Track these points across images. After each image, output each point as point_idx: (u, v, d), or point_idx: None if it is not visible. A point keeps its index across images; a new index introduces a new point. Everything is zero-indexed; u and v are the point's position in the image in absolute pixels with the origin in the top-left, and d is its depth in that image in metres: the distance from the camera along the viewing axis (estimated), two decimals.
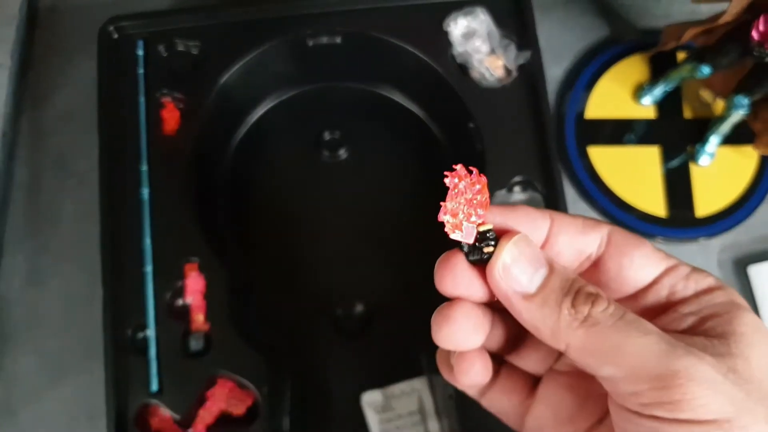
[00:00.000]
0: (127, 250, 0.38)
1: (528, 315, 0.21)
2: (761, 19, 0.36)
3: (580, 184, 0.45)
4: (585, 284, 0.21)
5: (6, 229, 0.45)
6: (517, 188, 0.40)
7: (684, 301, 0.22)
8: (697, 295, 0.22)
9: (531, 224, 0.22)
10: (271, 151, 0.46)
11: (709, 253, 0.44)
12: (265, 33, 0.42)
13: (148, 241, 0.38)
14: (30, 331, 0.43)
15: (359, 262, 0.44)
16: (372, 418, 0.39)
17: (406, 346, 0.40)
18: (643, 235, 0.44)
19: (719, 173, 0.45)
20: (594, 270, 0.23)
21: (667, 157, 0.46)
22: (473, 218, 0.22)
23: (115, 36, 0.42)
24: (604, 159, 0.45)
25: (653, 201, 0.45)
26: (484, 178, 0.22)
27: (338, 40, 0.43)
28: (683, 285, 0.22)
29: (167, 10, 0.47)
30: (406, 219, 0.45)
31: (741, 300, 0.21)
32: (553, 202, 0.39)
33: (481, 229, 0.22)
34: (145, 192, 0.39)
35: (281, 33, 0.42)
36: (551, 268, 0.21)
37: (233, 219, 0.45)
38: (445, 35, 0.42)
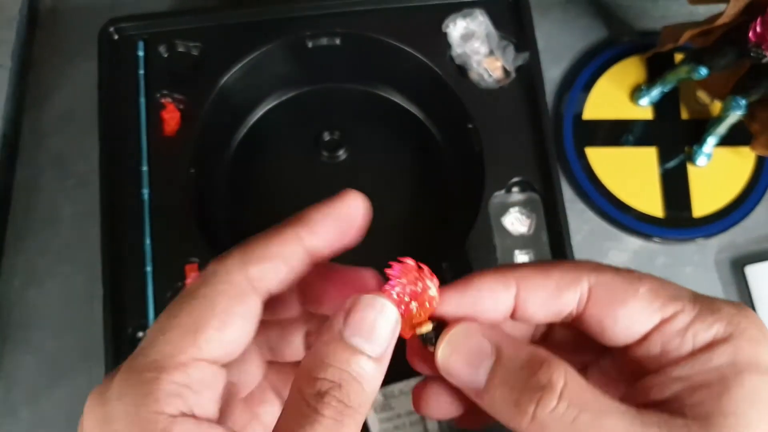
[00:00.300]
0: (127, 251, 0.38)
1: (483, 406, 0.20)
2: (758, 21, 0.36)
3: (578, 185, 0.45)
4: (534, 373, 0.18)
5: (6, 229, 0.45)
6: (515, 189, 0.40)
7: (677, 361, 0.19)
8: (694, 354, 0.19)
9: (491, 299, 0.21)
10: (271, 151, 0.46)
11: (706, 253, 0.44)
12: (265, 34, 0.42)
13: (148, 242, 0.38)
14: (30, 331, 0.43)
15: (358, 262, 0.44)
16: (371, 418, 0.39)
17: (405, 346, 0.40)
18: (641, 236, 0.44)
19: (716, 174, 0.46)
20: (577, 322, 0.21)
21: (664, 157, 0.46)
22: (414, 312, 0.20)
23: (116, 37, 0.43)
24: (602, 160, 0.46)
25: (651, 201, 0.45)
26: (430, 280, 0.21)
27: (338, 41, 0.43)
28: (678, 342, 0.19)
29: (167, 12, 0.47)
30: (405, 219, 0.45)
31: (750, 355, 0.18)
32: (551, 203, 0.39)
33: (419, 331, 0.21)
34: (146, 192, 0.39)
35: (281, 34, 0.42)
36: (498, 356, 0.19)
37: (233, 220, 0.45)
38: (443, 37, 0.42)
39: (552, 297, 0.20)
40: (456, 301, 0.21)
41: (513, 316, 0.21)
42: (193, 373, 0.18)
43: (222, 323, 0.19)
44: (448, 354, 0.20)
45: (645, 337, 0.20)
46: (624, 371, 0.21)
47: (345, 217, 0.21)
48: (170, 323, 0.19)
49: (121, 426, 0.17)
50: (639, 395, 0.20)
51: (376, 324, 0.19)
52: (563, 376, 0.18)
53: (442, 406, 0.22)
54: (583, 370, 0.24)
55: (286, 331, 0.24)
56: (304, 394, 0.18)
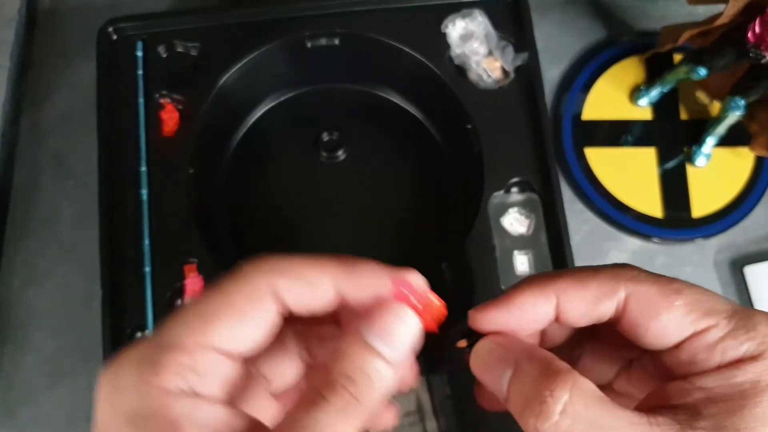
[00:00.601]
0: (126, 251, 0.38)
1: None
2: (757, 21, 0.36)
3: (577, 185, 0.45)
4: (541, 386, 0.19)
5: (5, 229, 0.45)
6: (514, 189, 0.40)
7: (703, 372, 0.20)
8: (720, 368, 0.20)
9: (533, 313, 0.22)
10: (270, 152, 0.46)
11: (705, 253, 0.44)
12: (265, 34, 0.42)
13: (147, 242, 0.38)
14: (29, 332, 0.43)
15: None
16: None
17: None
18: (640, 236, 0.44)
19: (715, 174, 0.46)
20: (616, 325, 0.22)
21: (663, 158, 0.46)
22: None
23: (115, 37, 0.43)
24: (601, 160, 0.46)
25: (650, 202, 0.45)
26: (432, 295, 0.22)
27: (337, 41, 0.43)
28: (707, 355, 0.20)
29: (166, 12, 0.47)
30: (404, 219, 0.45)
31: None
32: (551, 203, 0.39)
33: (458, 345, 0.23)
34: (144, 193, 0.39)
35: (280, 34, 0.42)
36: (516, 368, 0.21)
37: (232, 220, 0.45)
38: (443, 37, 0.42)
39: (590, 307, 0.21)
40: (500, 318, 0.22)
41: (555, 320, 0.23)
42: (198, 357, 0.19)
43: (231, 318, 0.20)
44: (476, 366, 0.22)
45: (676, 346, 0.21)
46: (659, 370, 0.23)
47: (385, 286, 0.22)
48: (189, 310, 0.20)
49: (128, 394, 0.19)
50: (662, 397, 0.21)
51: (398, 331, 0.21)
52: (568, 390, 0.19)
53: (495, 400, 0.24)
54: (628, 365, 0.25)
55: (324, 340, 0.25)
56: (317, 383, 0.19)
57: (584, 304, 0.21)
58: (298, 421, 0.18)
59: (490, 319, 0.22)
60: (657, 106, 0.47)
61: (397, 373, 0.20)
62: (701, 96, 0.47)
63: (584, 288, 0.21)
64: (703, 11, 0.45)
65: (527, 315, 0.22)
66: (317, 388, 0.19)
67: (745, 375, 0.19)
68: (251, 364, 0.22)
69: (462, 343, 0.23)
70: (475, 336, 0.23)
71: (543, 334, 0.25)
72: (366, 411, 0.19)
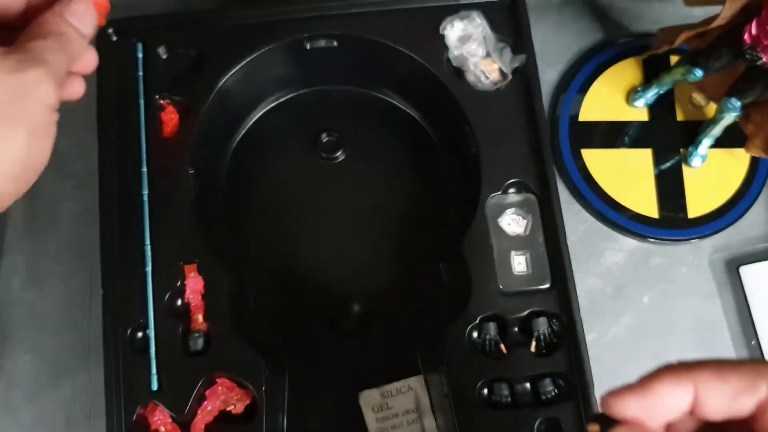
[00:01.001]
0: (126, 251, 0.39)
1: None
2: (753, 23, 0.36)
3: (573, 186, 0.45)
4: None
5: (5, 230, 0.45)
6: (511, 190, 0.41)
7: None
8: None
9: (670, 402, 0.21)
10: (269, 153, 0.46)
11: (701, 254, 0.45)
12: (264, 36, 0.42)
13: (147, 242, 0.39)
14: (29, 332, 0.43)
15: (356, 262, 0.44)
16: (369, 417, 0.39)
17: (403, 345, 0.40)
18: (636, 236, 0.45)
19: (711, 175, 0.46)
20: (752, 423, 0.21)
21: (659, 159, 0.46)
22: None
23: (115, 38, 0.43)
24: (598, 161, 0.46)
25: (646, 202, 0.45)
26: None
27: (335, 43, 0.43)
28: None
29: (167, 14, 0.47)
30: (402, 220, 0.45)
31: None
32: (547, 204, 0.39)
33: (591, 429, 0.23)
34: (145, 193, 0.40)
35: (280, 36, 0.42)
36: None
37: (232, 220, 0.45)
38: (441, 39, 0.42)
39: (729, 401, 0.21)
40: (635, 405, 0.22)
41: (689, 412, 0.22)
42: None
43: None
44: None
45: None
46: None
47: None
48: None
49: None
50: None
51: (87, 15, 0.29)
52: None
53: None
54: None
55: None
56: (34, 31, 0.27)
57: (723, 398, 0.21)
58: (31, 42, 0.26)
59: (625, 405, 0.22)
60: (653, 108, 0.47)
61: (86, 43, 0.29)
62: (697, 97, 0.47)
63: (723, 381, 0.21)
64: (699, 13, 0.45)
65: (664, 404, 0.21)
66: (39, 32, 0.27)
67: None
68: None
69: (594, 428, 0.23)
70: (606, 421, 0.22)
71: (669, 425, 0.24)
72: (73, 54, 0.28)
